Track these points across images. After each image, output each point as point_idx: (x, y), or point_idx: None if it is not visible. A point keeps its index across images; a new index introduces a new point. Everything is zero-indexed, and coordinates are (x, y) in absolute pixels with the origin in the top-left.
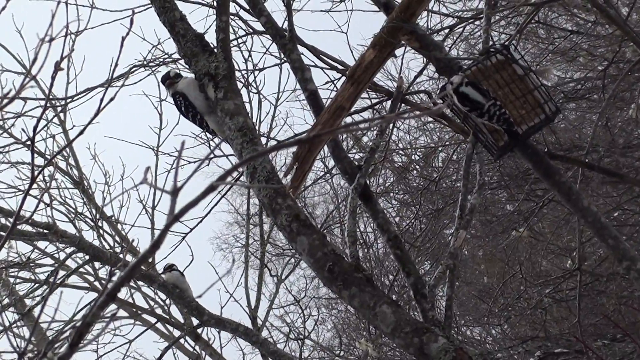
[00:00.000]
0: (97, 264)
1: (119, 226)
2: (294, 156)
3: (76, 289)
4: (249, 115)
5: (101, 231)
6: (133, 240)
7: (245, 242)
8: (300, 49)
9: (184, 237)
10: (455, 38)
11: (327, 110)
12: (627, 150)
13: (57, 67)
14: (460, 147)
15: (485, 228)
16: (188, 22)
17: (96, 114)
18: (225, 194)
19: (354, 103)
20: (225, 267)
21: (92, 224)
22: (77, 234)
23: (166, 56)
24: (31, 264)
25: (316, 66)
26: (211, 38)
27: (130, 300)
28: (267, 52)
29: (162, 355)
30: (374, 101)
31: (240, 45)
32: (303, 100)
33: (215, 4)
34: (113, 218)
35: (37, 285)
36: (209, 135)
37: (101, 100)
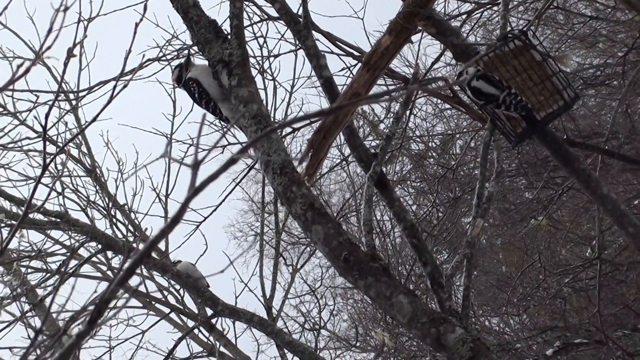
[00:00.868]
0: (109, 253)
1: (132, 215)
2: (309, 143)
3: (89, 278)
4: (264, 102)
5: (114, 220)
6: (146, 229)
7: (260, 231)
8: (316, 35)
9: (198, 226)
10: (472, 24)
11: (342, 97)
12: None
13: (70, 54)
14: (477, 134)
15: (503, 216)
16: (201, 8)
17: (109, 102)
18: (240, 182)
19: (370, 90)
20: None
21: (105, 212)
22: (89, 223)
23: (181, 49)
24: (42, 254)
25: (332, 52)
26: (225, 24)
27: (144, 291)
28: (282, 39)
29: (175, 346)
30: (390, 88)
31: (255, 31)
32: (319, 86)
33: None
34: (126, 206)
35: (48, 275)
36: (222, 122)
37: (113, 89)
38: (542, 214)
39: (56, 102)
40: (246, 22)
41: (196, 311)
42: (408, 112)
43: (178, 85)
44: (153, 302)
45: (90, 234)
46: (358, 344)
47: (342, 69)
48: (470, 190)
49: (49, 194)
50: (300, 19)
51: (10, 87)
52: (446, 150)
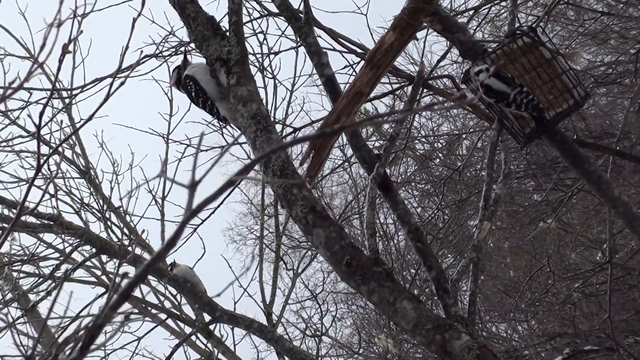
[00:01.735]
0: (104, 257)
1: (127, 217)
2: (310, 144)
3: (83, 283)
4: (263, 101)
5: (109, 223)
6: (142, 232)
7: (260, 234)
8: (317, 31)
9: (195, 229)
10: (480, 20)
11: (345, 96)
12: None
13: (65, 50)
14: (485, 134)
15: (511, 219)
16: (199, 4)
17: (104, 100)
18: (238, 184)
19: (373, 88)
20: (238, 260)
21: (99, 215)
22: (83, 226)
23: (178, 46)
24: (35, 258)
25: (334, 49)
26: (223, 21)
27: (140, 296)
28: (283, 35)
29: (172, 353)
30: (395, 86)
31: (255, 28)
32: (321, 85)
33: None
34: (121, 209)
35: (41, 279)
36: (220, 122)
37: (109, 87)
38: (551, 217)
39: (50, 100)
40: (245, 18)
41: (194, 317)
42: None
43: (177, 88)
44: (149, 308)
45: (84, 237)
46: (361, 351)
47: (345, 67)
48: (477, 192)
49: (42, 196)
50: (302, 15)
51: (7, 88)
52: (452, 150)
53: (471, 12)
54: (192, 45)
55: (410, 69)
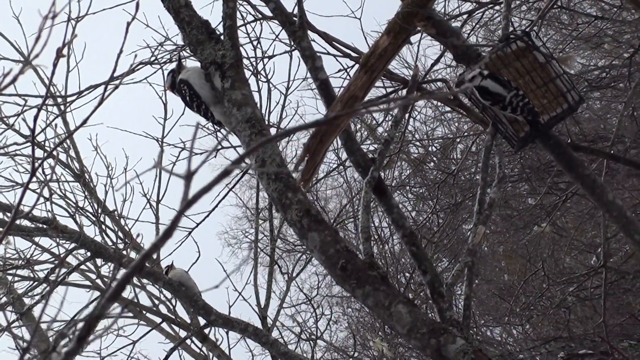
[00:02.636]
0: (99, 261)
1: (122, 221)
2: (305, 148)
3: (77, 287)
4: (258, 105)
5: (103, 226)
6: (137, 236)
7: (255, 238)
8: (311, 35)
9: (190, 232)
10: (474, 24)
11: (339, 100)
12: None
13: (59, 54)
14: (479, 138)
15: (505, 223)
16: (193, 8)
17: (98, 106)
18: (233, 187)
19: (367, 92)
20: (233, 264)
21: (94, 218)
22: (78, 230)
23: (173, 51)
24: (30, 261)
25: (328, 53)
26: (218, 25)
27: (135, 299)
28: (277, 39)
29: (167, 357)
30: (389, 90)
31: (249, 32)
32: (315, 89)
33: None
34: (116, 212)
35: (36, 283)
36: (214, 126)
37: (103, 93)
38: (546, 221)
39: (44, 105)
40: (239, 22)
41: (188, 321)
42: (407, 115)
43: (172, 91)
44: (144, 312)
45: (79, 240)
46: (356, 355)
47: (339, 71)
48: (472, 196)
49: (36, 200)
50: (296, 19)
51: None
52: (446, 154)
53: (465, 16)
54: (187, 49)
55: (405, 73)
